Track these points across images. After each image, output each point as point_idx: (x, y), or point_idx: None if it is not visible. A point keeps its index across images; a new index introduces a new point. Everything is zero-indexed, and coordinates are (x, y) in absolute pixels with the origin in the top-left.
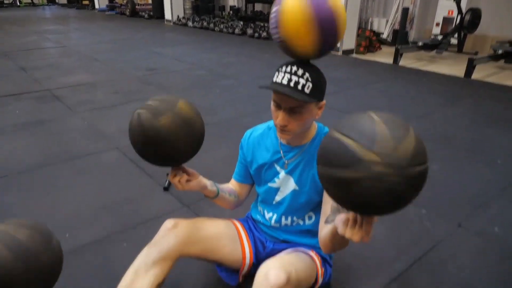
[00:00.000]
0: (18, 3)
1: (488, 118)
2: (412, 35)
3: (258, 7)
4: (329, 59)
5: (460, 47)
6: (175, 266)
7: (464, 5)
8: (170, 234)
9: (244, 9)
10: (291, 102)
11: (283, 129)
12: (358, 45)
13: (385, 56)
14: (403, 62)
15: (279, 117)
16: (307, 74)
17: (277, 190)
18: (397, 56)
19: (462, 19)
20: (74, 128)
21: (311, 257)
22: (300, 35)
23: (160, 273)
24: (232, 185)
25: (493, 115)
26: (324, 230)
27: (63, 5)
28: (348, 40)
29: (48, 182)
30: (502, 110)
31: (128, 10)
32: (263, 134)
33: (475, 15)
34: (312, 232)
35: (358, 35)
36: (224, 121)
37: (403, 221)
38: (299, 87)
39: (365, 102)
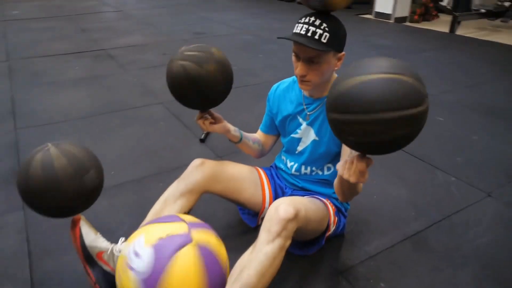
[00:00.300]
0: None
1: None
2: (475, 2)
3: None
4: (378, 27)
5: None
6: (200, 205)
7: None
8: (197, 171)
9: None
10: (309, 52)
11: (302, 79)
12: (413, 12)
13: (442, 25)
14: (462, 31)
15: (298, 67)
16: (324, 25)
17: (299, 140)
18: (454, 24)
19: None
20: (125, 84)
21: (325, 204)
22: None
23: (186, 204)
24: (258, 135)
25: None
26: (336, 178)
27: None
28: (401, 7)
29: (101, 128)
30: None
31: None
32: (288, 87)
33: None
34: (330, 182)
35: (413, 1)
36: (263, 83)
37: (428, 185)
38: (316, 36)
39: None
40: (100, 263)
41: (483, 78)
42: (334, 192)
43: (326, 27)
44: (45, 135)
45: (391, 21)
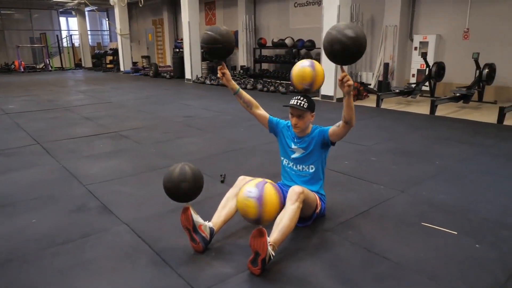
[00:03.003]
0: (50, 68)
1: (439, 139)
2: (392, 84)
3: (265, 66)
4: (325, 105)
5: (431, 93)
6: None
7: (431, 60)
8: (245, 181)
9: (253, 68)
10: (298, 111)
11: (295, 126)
12: None
13: (371, 102)
14: (385, 105)
15: (293, 120)
16: (305, 99)
17: (292, 151)
18: (378, 100)
19: (429, 70)
20: (148, 153)
21: (313, 193)
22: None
23: None
24: (261, 109)
25: (443, 136)
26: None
27: (89, 68)
28: (339, 90)
29: (142, 183)
30: (451, 133)
31: (151, 71)
32: (288, 127)
33: (440, 67)
34: (313, 179)
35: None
36: (248, 147)
37: (368, 191)
38: (301, 104)
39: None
40: (200, 231)
41: (400, 135)
42: (318, 189)
43: (306, 100)
44: (108, 187)
45: (334, 100)
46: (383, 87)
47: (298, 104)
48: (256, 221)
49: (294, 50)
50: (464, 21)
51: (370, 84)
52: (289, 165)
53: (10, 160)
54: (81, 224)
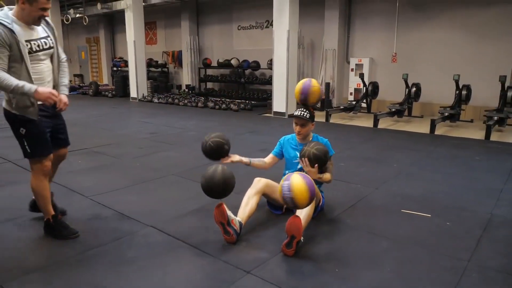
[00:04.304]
0: None
1: (389, 147)
2: (334, 102)
3: (209, 85)
4: (279, 121)
5: (368, 109)
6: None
7: (366, 80)
8: (260, 182)
9: (198, 86)
10: (301, 121)
11: (298, 133)
12: None
13: (318, 117)
14: (332, 120)
15: (297, 128)
16: (306, 110)
17: (297, 163)
18: (327, 116)
19: (366, 89)
20: (133, 167)
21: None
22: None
23: (258, 199)
24: (268, 157)
25: (391, 145)
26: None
27: None
28: (290, 108)
29: (145, 192)
30: (397, 142)
31: (91, 90)
32: (290, 139)
33: (375, 86)
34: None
35: (297, 103)
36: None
37: (348, 189)
38: (304, 115)
39: None
40: (232, 225)
41: (355, 144)
42: (320, 187)
43: (307, 111)
44: (114, 197)
45: (285, 117)
46: (326, 104)
47: (301, 114)
48: (294, 206)
49: (239, 70)
50: (392, 46)
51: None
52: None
53: None
54: (106, 229)
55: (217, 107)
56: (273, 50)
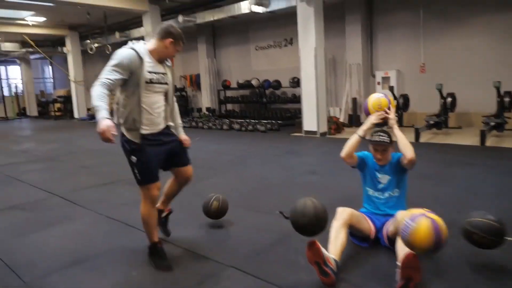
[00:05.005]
0: None
1: (443, 162)
2: (363, 117)
3: (229, 106)
4: (313, 141)
5: (400, 122)
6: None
7: (395, 92)
8: (345, 212)
9: (218, 108)
10: (383, 147)
11: (379, 160)
12: (329, 128)
13: (349, 134)
14: (368, 136)
15: (377, 154)
16: (386, 134)
17: (380, 182)
18: None
19: (397, 102)
20: (186, 197)
21: None
22: None
23: (346, 231)
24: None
25: (444, 160)
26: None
27: (35, 117)
28: (322, 126)
29: (219, 225)
30: (448, 157)
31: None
32: (372, 159)
33: (406, 98)
34: (398, 203)
35: (328, 121)
36: (278, 182)
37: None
38: (386, 140)
39: None
40: (328, 263)
41: None
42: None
43: (387, 134)
44: (184, 231)
45: (317, 135)
46: (354, 120)
47: (381, 140)
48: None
49: (260, 90)
50: (419, 57)
51: (339, 118)
52: (374, 195)
53: (39, 215)
54: (184, 271)
55: (243, 128)
56: (299, 68)
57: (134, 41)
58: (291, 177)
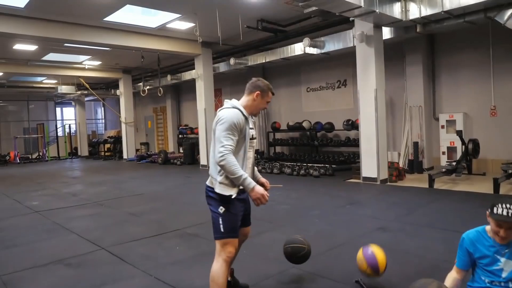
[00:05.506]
0: (46, 158)
1: None
2: (425, 163)
3: (278, 149)
4: (372, 189)
5: (469, 170)
6: None
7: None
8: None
9: (267, 151)
10: (510, 224)
11: (503, 238)
12: (390, 175)
13: (414, 181)
14: (436, 185)
15: (501, 232)
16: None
17: (501, 270)
18: (430, 181)
19: (466, 148)
20: (241, 256)
21: None
22: None
23: None
24: (454, 274)
25: None
26: None
27: (85, 157)
28: (382, 173)
29: None
30: None
31: (160, 158)
32: (480, 235)
33: (475, 144)
34: None
35: (388, 167)
36: (347, 241)
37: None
38: None
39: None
40: None
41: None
42: None
43: None
44: None
45: (377, 182)
46: (416, 166)
47: (510, 215)
48: None
49: (312, 133)
50: (490, 99)
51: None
52: (497, 285)
53: (83, 273)
54: None
55: (294, 172)
56: (355, 110)
57: (227, 100)
58: (359, 235)
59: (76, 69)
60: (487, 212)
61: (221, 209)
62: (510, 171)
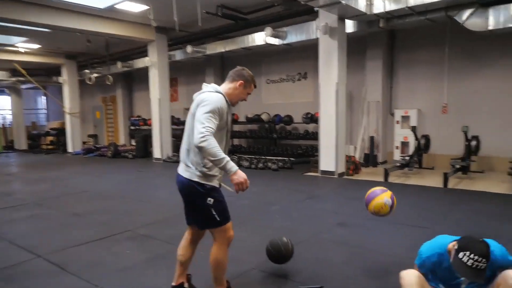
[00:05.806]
0: None
1: (488, 215)
2: (380, 157)
3: (235, 141)
4: (331, 182)
5: (419, 164)
6: None
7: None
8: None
9: None
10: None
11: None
12: (348, 168)
13: (369, 175)
14: (390, 179)
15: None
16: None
17: (460, 285)
18: (386, 175)
19: (418, 143)
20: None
21: None
22: None
23: None
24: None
25: (488, 212)
26: None
27: (24, 150)
28: (340, 165)
29: None
30: (490, 208)
31: (110, 151)
32: (440, 260)
33: (427, 139)
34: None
35: (346, 161)
36: (306, 237)
37: None
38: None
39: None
40: None
41: (447, 215)
42: None
43: (483, 259)
44: None
45: (335, 176)
46: (371, 160)
47: (477, 266)
48: None
49: (270, 125)
50: (442, 96)
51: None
52: None
53: (15, 286)
54: None
55: (252, 166)
56: (316, 104)
57: (205, 84)
58: (320, 231)
59: (9, 52)
60: (454, 249)
61: (210, 200)
62: (458, 166)
